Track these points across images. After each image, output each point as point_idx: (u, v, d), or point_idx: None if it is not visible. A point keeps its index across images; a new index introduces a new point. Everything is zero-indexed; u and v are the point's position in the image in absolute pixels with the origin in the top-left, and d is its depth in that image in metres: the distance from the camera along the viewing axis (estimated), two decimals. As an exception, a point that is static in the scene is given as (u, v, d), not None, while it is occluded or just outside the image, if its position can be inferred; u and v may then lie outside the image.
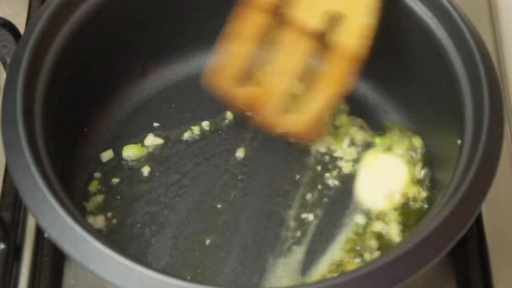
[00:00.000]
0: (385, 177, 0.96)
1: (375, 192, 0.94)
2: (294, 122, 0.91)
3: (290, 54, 0.90)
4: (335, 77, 0.88)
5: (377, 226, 0.92)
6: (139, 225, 0.92)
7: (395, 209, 0.93)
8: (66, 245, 0.72)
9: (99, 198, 0.94)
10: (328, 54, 0.88)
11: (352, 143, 0.99)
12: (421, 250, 0.72)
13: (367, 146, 0.98)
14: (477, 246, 0.94)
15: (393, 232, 0.91)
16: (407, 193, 0.94)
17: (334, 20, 0.87)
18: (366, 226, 0.92)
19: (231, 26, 0.91)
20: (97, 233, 0.74)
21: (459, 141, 0.83)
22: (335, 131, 0.99)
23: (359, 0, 0.85)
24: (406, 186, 0.94)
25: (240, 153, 0.98)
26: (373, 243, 0.91)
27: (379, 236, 0.91)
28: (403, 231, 0.91)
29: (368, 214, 0.93)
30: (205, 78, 0.95)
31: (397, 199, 0.94)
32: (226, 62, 0.92)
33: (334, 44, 0.88)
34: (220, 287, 0.80)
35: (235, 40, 0.91)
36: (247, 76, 0.93)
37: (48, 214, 0.74)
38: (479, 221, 0.95)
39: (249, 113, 0.94)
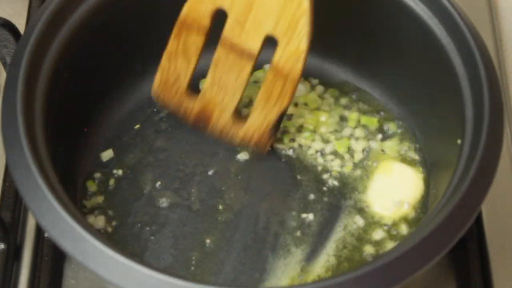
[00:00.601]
0: (397, 185, 0.95)
1: (385, 198, 0.94)
2: (244, 132, 0.96)
3: (231, 73, 0.93)
4: (275, 95, 0.92)
5: (378, 234, 0.92)
6: (139, 224, 0.92)
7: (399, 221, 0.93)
8: (66, 244, 0.72)
9: (99, 198, 0.94)
10: (268, 72, 0.92)
11: (354, 144, 0.99)
12: (421, 250, 0.72)
13: (369, 147, 0.98)
14: (477, 246, 0.94)
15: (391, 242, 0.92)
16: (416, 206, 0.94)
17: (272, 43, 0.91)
18: (365, 228, 0.92)
19: (170, 43, 0.94)
20: (97, 232, 0.74)
21: (459, 141, 0.83)
22: (339, 130, 1.00)
23: (295, 26, 0.88)
24: (417, 198, 0.94)
25: (241, 154, 0.98)
26: (371, 247, 0.91)
27: (378, 242, 0.92)
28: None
29: (367, 217, 0.93)
30: (154, 94, 0.98)
31: (406, 209, 0.93)
32: (168, 78, 0.96)
33: (273, 65, 0.91)
34: (219, 287, 0.80)
35: (174, 56, 0.95)
36: (191, 91, 0.97)
37: (48, 213, 0.74)
38: (479, 221, 0.95)
39: (203, 128, 0.98)
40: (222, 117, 0.96)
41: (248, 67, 0.92)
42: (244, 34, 0.90)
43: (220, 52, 0.93)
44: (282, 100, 0.92)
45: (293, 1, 0.87)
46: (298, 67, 0.89)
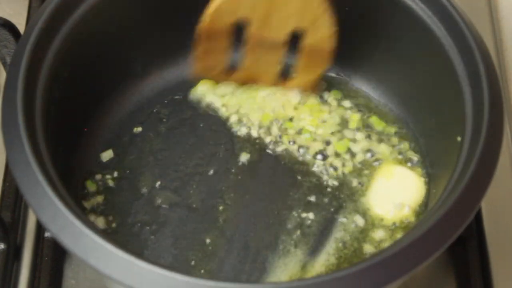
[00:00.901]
0: (398, 188, 0.95)
1: (386, 200, 0.94)
2: (294, 85, 1.02)
3: (267, 55, 0.98)
4: (314, 63, 0.98)
5: (378, 234, 0.92)
6: (139, 224, 0.92)
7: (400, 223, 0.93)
8: (66, 240, 0.72)
9: (99, 198, 0.94)
10: (302, 50, 0.97)
11: (354, 145, 0.99)
12: (420, 246, 0.72)
13: (369, 148, 0.98)
14: (477, 245, 0.94)
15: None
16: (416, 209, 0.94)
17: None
18: (366, 229, 0.92)
19: (197, 45, 0.97)
20: (96, 228, 0.74)
21: (459, 138, 0.83)
22: (339, 131, 1.00)
23: (318, 20, 0.92)
24: (417, 201, 0.94)
25: (241, 154, 0.98)
26: (371, 247, 0.91)
27: (378, 242, 0.91)
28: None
29: (368, 218, 0.93)
30: (195, 75, 1.01)
31: (406, 212, 0.93)
32: (205, 66, 1.00)
33: (304, 45, 0.96)
34: (218, 282, 0.80)
35: (206, 53, 0.98)
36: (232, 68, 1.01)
37: (48, 209, 0.74)
38: (479, 221, 0.95)
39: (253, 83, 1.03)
40: (268, 79, 1.02)
41: (282, 49, 0.97)
42: (271, 31, 0.95)
43: (251, 44, 0.96)
44: (322, 64, 0.98)
45: (313, 2, 0.91)
46: (329, 46, 0.95)
